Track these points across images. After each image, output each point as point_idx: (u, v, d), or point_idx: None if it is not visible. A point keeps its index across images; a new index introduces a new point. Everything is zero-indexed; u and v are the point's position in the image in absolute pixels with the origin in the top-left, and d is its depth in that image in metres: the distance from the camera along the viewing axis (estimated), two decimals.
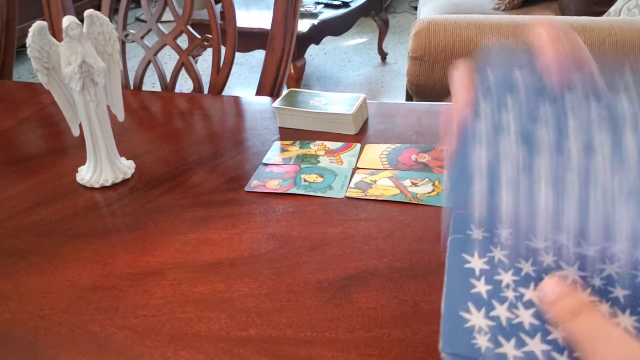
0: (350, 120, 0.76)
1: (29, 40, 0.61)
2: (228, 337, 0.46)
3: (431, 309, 0.47)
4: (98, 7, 0.90)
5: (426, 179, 0.65)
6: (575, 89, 0.25)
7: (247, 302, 0.49)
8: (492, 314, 0.26)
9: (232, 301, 0.49)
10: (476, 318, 0.26)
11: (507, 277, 0.26)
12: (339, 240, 0.56)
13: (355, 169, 0.69)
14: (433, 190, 0.63)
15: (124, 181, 0.69)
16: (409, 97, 1.70)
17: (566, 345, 0.25)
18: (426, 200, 0.61)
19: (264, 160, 0.72)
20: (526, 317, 0.26)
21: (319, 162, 0.71)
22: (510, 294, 0.26)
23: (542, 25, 0.27)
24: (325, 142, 0.75)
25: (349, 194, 0.63)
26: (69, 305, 0.50)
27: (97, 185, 0.67)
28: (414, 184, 0.64)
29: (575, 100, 0.25)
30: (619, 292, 0.25)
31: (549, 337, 0.25)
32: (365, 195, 0.63)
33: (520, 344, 0.25)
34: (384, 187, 0.64)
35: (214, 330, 0.46)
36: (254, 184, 0.67)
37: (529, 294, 0.26)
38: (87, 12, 0.64)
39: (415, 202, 0.61)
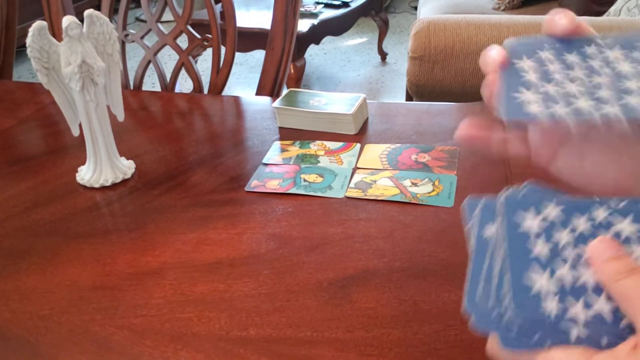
0: (350, 120, 0.76)
1: (29, 40, 0.61)
2: (228, 337, 0.46)
3: (431, 309, 0.47)
4: (98, 7, 0.90)
5: (426, 179, 0.65)
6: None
7: (247, 302, 0.49)
8: (557, 275, 0.27)
9: (232, 301, 0.49)
10: (541, 281, 0.27)
11: (564, 237, 0.27)
12: (339, 240, 0.56)
13: (355, 169, 0.69)
14: (433, 190, 0.63)
15: (124, 181, 0.69)
16: (409, 97, 1.70)
17: None
18: (426, 200, 0.61)
19: (264, 160, 0.72)
20: (588, 276, 0.26)
21: (319, 162, 0.71)
22: (569, 254, 0.27)
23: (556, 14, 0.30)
24: (325, 142, 0.75)
25: (348, 194, 0.63)
26: (69, 305, 0.50)
27: (97, 185, 0.67)
28: (414, 184, 0.64)
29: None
30: None
31: None
32: (365, 195, 0.63)
33: (588, 305, 0.26)
34: (384, 187, 0.64)
35: (214, 330, 0.46)
36: (254, 184, 0.67)
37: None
38: (87, 12, 0.64)
39: (415, 202, 0.61)
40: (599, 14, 1.79)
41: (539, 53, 0.30)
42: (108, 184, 0.68)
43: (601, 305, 0.26)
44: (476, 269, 0.29)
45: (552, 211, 0.28)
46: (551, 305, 0.26)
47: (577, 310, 0.26)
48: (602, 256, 0.26)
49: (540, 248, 0.27)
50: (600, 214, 0.27)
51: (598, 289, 0.26)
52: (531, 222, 0.28)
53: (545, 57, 0.30)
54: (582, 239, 0.27)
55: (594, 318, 0.26)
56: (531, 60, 0.30)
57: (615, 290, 0.25)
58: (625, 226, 0.27)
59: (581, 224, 0.27)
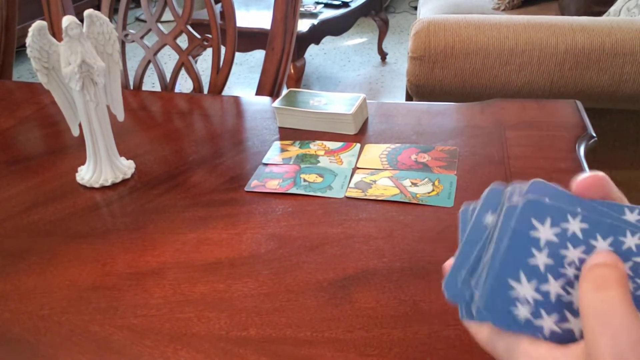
0: (350, 120, 0.76)
1: (28, 40, 0.61)
2: (228, 337, 0.46)
3: (431, 309, 0.47)
4: (98, 7, 0.90)
5: (426, 179, 0.65)
6: None
7: (246, 302, 0.49)
8: (543, 288, 0.25)
9: (232, 301, 0.49)
10: (524, 289, 0.25)
11: (574, 254, 0.25)
12: (338, 240, 0.56)
13: (355, 169, 0.69)
14: (433, 190, 0.63)
15: (124, 181, 0.69)
16: (409, 97, 1.70)
17: None
18: (426, 200, 0.61)
19: (264, 160, 0.72)
20: (578, 297, 0.24)
21: (318, 162, 0.71)
22: (570, 272, 0.25)
23: None
24: (325, 142, 0.75)
25: (348, 194, 0.63)
26: (69, 305, 0.50)
27: (96, 185, 0.67)
28: (414, 184, 0.64)
29: None
30: None
31: None
32: (365, 195, 0.63)
33: (562, 319, 0.25)
34: (384, 187, 0.64)
35: (213, 330, 0.46)
36: (253, 184, 0.67)
37: None
38: (87, 12, 0.64)
39: (415, 202, 0.61)
40: (599, 14, 1.79)
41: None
42: (108, 184, 0.68)
43: (574, 325, 0.25)
44: (465, 253, 0.28)
45: (573, 226, 0.25)
46: (523, 312, 0.25)
47: (547, 322, 0.25)
48: (594, 260, 0.24)
49: (541, 259, 0.25)
50: (630, 240, 0.24)
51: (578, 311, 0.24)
52: (545, 232, 0.25)
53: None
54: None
55: (563, 332, 0.25)
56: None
57: (588, 301, 0.23)
58: None
59: (602, 247, 0.25)
